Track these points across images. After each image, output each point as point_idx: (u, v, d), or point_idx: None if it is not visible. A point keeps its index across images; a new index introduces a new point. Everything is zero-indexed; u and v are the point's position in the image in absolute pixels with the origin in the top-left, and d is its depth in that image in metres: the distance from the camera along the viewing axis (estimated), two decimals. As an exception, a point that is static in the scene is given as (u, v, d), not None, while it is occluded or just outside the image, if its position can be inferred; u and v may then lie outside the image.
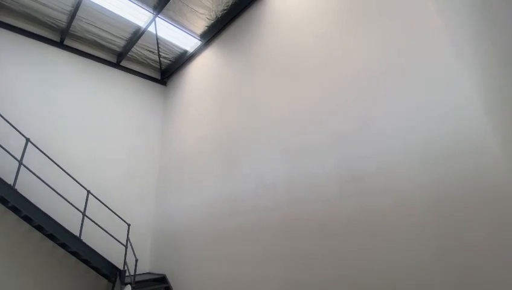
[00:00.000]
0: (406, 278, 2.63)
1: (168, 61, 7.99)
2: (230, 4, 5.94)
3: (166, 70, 8.33)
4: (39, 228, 4.83)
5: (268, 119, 4.63)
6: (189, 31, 6.72)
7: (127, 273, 5.12)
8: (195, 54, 7.28)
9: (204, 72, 6.89)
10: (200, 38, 6.87)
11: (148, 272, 6.45)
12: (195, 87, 7.10)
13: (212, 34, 6.57)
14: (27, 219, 4.76)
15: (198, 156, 6.12)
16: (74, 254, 5.08)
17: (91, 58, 7.11)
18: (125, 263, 5.13)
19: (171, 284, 5.59)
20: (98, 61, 7.22)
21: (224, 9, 6.07)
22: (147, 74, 8.16)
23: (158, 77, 8.45)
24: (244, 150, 4.96)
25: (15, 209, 4.65)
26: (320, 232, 3.39)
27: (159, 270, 6.19)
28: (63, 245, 5.00)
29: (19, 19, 6.17)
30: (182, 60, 7.60)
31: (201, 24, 6.52)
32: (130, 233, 5.56)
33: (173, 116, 7.75)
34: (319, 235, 3.39)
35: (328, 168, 3.52)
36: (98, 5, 5.87)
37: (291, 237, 3.71)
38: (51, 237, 4.93)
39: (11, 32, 6.01)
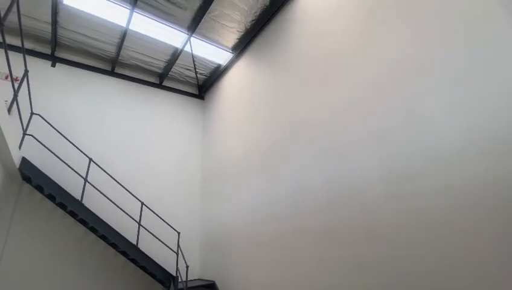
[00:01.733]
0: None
1: (204, 77, 8.46)
2: (258, 14, 6.08)
3: (203, 85, 8.82)
4: (103, 237, 5.42)
5: (305, 121, 4.58)
6: (221, 45, 7.04)
7: (179, 280, 5.43)
8: (228, 67, 7.58)
9: (238, 82, 7.13)
10: (232, 50, 7.14)
11: (198, 278, 6.74)
12: (230, 98, 7.37)
13: (242, 45, 6.79)
14: (93, 230, 5.37)
15: (238, 163, 6.28)
16: (133, 260, 5.56)
17: (137, 82, 7.86)
18: (177, 269, 5.46)
19: (220, 291, 5.77)
20: (144, 84, 7.96)
21: (253, 20, 6.24)
22: (186, 90, 8.73)
23: (196, 92, 8.98)
24: (281, 154, 4.95)
25: (83, 222, 5.30)
26: (367, 237, 3.19)
27: (208, 276, 6.42)
28: (123, 253, 5.52)
29: (76, 54, 7.12)
30: (216, 73, 7.98)
31: (232, 37, 6.79)
32: (180, 240, 5.92)
33: (212, 128, 8.12)
34: (365, 241, 3.20)
35: (371, 169, 3.33)
36: (140, 33, 6.51)
37: (335, 243, 3.56)
38: (113, 245, 5.49)
39: (70, 66, 6.95)
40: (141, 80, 7.93)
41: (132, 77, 7.79)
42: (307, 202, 4.13)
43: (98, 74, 7.30)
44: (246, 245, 5.36)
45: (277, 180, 4.91)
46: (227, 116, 7.38)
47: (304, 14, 5.15)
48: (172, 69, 7.88)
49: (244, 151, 6.18)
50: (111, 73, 7.48)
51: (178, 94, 8.54)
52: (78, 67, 7.04)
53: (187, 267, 5.33)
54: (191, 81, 8.70)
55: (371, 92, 3.56)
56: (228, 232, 6.06)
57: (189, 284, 5.68)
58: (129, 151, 7.03)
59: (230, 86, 7.52)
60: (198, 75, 8.35)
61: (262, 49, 6.22)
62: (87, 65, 7.18)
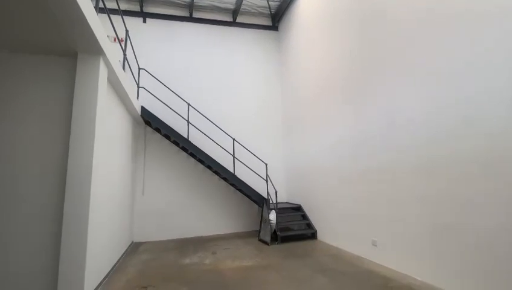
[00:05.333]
0: None
1: (276, 3, 7.80)
2: None
3: (275, 14, 8.21)
4: (208, 167, 6.64)
5: (402, 35, 3.81)
6: (293, -41, 6.06)
7: (270, 201, 6.33)
8: (302, -15, 6.63)
9: (314, 2, 6.25)
10: (306, -37, 6.09)
11: (286, 201, 7.66)
12: (307, 23, 6.66)
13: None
14: (200, 161, 6.61)
15: (321, 96, 6.05)
16: (232, 185, 6.73)
17: (213, 23, 7.97)
18: (267, 193, 6.34)
19: (306, 213, 6.45)
20: (219, 24, 8.02)
21: None
22: (260, 23, 8.36)
23: (270, 23, 8.48)
24: (370, 82, 4.44)
25: (192, 155, 6.57)
26: (484, 172, 2.74)
27: (295, 201, 7.20)
28: (224, 179, 6.72)
29: (160, 6, 7.61)
30: (290, -3, 7.16)
31: None
32: (267, 171, 6.66)
33: (289, 59, 7.78)
34: (481, 177, 2.76)
35: (498, 89, 2.63)
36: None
37: (438, 179, 3.24)
38: (216, 172, 6.71)
39: (157, 19, 7.55)
40: (216, 20, 7.99)
41: (208, 19, 7.93)
42: (404, 135, 3.74)
43: (179, 22, 7.72)
44: (331, 179, 5.56)
45: (366, 112, 4.55)
46: (304, 44, 6.84)
47: None
48: (243, 2, 7.53)
49: (326, 81, 5.81)
50: (190, 19, 7.78)
51: (252, 29, 8.29)
52: (163, 18, 7.59)
53: (276, 192, 6.09)
54: (263, 11, 8.19)
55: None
56: (312, 164, 6.34)
57: (279, 206, 6.57)
58: (217, 93, 7.68)
59: (306, 10, 6.70)
60: (270, 2, 7.74)
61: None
62: (170, 15, 7.64)
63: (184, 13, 7.80)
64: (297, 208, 6.71)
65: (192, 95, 7.25)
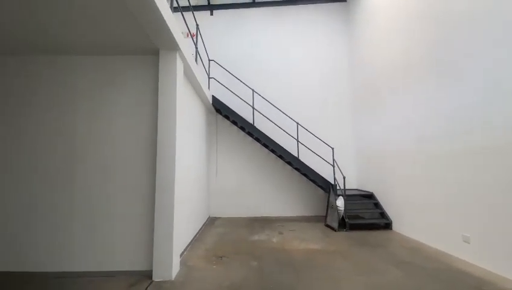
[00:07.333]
0: None
1: (344, -29, 7.06)
2: None
3: (343, -17, 7.46)
4: (273, 151, 6.80)
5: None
6: None
7: (338, 187, 6.09)
8: None
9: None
10: None
11: (356, 188, 7.23)
12: (382, -11, 5.84)
13: None
14: (265, 145, 6.82)
15: (396, 71, 5.35)
16: (297, 169, 6.74)
17: (275, 5, 7.82)
18: (334, 179, 6.11)
19: (379, 201, 5.96)
20: (282, 4, 7.81)
21: None
22: (325, -4, 7.80)
23: (336, -6, 7.82)
24: (456, 54, 3.67)
25: (257, 140, 6.82)
26: None
27: (365, 188, 6.72)
28: (288, 163, 6.77)
29: (226, -4, 7.90)
30: (360, -40, 6.36)
31: None
32: (335, 155, 6.38)
33: (359, 33, 7.06)
34: None
35: None
36: None
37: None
38: (280, 157, 6.82)
39: (222, 10, 7.87)
40: (279, 1, 7.80)
41: (271, 1, 7.80)
42: (499, 114, 3.02)
43: (243, 9, 7.86)
44: (407, 162, 4.95)
45: (457, 85, 3.82)
46: (378, 16, 6.06)
47: None
48: (307, -23, 7.12)
49: (405, 56, 5.09)
50: (253, 4, 7.83)
51: (317, 4, 7.79)
52: (228, 8, 7.86)
53: (344, 177, 5.80)
54: (329, -17, 7.56)
55: None
56: (386, 149, 5.75)
57: (348, 193, 6.26)
58: (281, 76, 7.65)
59: (380, -28, 5.87)
60: (337, -28, 7.07)
61: None
62: (234, 3, 7.85)
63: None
64: (369, 196, 6.26)
65: (257, 81, 7.42)
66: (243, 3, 7.84)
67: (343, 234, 5.16)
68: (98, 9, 2.64)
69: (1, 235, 3.36)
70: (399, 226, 5.27)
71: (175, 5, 3.77)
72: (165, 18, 2.72)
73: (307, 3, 7.80)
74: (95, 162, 3.47)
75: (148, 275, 3.24)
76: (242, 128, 6.84)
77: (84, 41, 3.27)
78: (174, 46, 3.35)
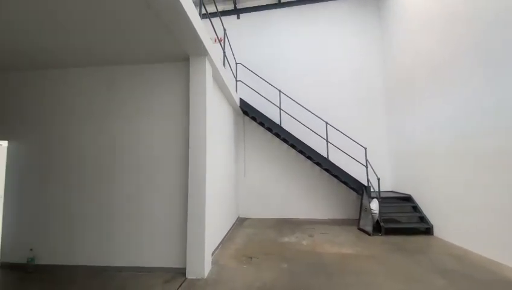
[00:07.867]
0: None
1: (374, -37, 6.75)
2: None
3: (373, -25, 7.12)
4: (301, 152, 6.70)
5: None
6: None
7: (371, 190, 5.80)
8: None
9: None
10: None
11: (391, 190, 6.82)
12: (417, -22, 5.47)
13: None
14: (293, 146, 6.74)
15: (433, 69, 4.97)
16: (326, 170, 6.55)
17: (302, 3, 7.72)
18: (368, 180, 5.82)
19: (418, 205, 5.55)
20: (307, 3, 7.69)
21: None
22: (354, -9, 7.51)
23: (366, -12, 7.49)
24: (502, 47, 3.29)
25: (285, 140, 6.78)
26: None
27: (402, 190, 6.31)
28: (317, 164, 6.61)
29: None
30: (392, -51, 6.03)
31: None
32: (367, 155, 6.09)
33: (393, 28, 6.69)
34: None
35: None
36: None
37: None
38: (309, 157, 6.68)
39: (248, 13, 7.96)
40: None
41: (296, 0, 7.73)
42: None
43: (269, 10, 7.88)
44: (448, 161, 4.56)
45: (497, 83, 3.45)
46: (413, 9, 5.69)
47: None
48: (334, -28, 6.93)
49: (444, 50, 4.71)
50: (278, 5, 7.82)
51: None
52: (254, 11, 7.94)
53: (378, 179, 5.51)
54: (358, -23, 7.27)
55: None
56: (425, 149, 5.36)
57: (382, 195, 5.93)
58: (308, 75, 7.51)
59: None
60: (366, -36, 6.77)
61: None
62: (260, 6, 7.91)
63: (273, 0, 7.89)
64: (407, 199, 5.86)
65: (284, 82, 7.38)
66: (269, 4, 7.87)
67: (378, 239, 4.90)
68: (135, 22, 2.83)
69: (63, 232, 3.76)
70: (441, 231, 4.86)
71: (203, 12, 3.91)
72: (195, 26, 2.83)
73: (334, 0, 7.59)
74: (134, 166, 3.73)
75: (182, 272, 3.38)
76: (269, 129, 6.84)
77: (122, 53, 3.54)
78: (203, 52, 3.47)
